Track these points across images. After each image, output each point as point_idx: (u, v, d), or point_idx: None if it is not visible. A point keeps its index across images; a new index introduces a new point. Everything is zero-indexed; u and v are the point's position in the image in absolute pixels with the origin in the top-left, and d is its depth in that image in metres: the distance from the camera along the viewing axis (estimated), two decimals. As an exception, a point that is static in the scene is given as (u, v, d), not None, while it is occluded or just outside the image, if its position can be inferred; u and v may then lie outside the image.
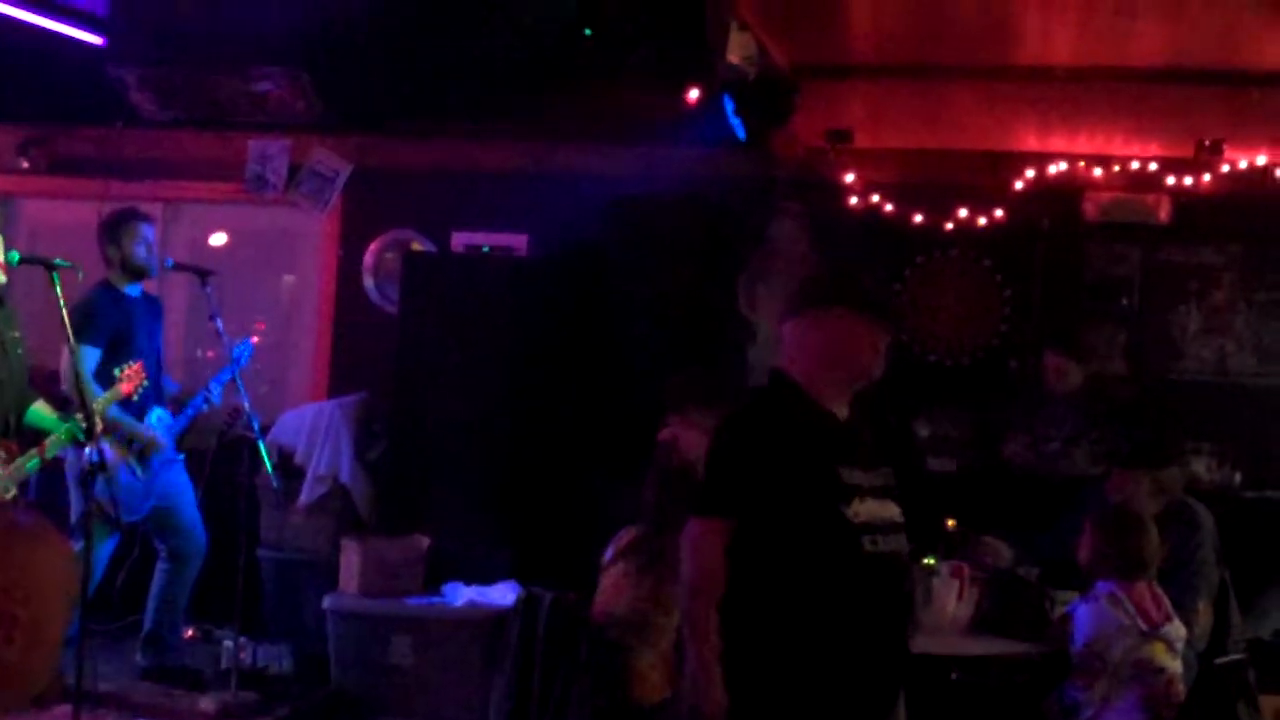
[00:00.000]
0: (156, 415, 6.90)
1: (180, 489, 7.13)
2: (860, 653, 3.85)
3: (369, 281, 8.68)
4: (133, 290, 7.05)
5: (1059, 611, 5.37)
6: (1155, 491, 5.90)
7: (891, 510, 3.94)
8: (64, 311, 5.66)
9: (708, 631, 3.80)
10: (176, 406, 7.06)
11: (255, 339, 7.44)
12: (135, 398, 6.40)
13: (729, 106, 7.42)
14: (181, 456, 7.14)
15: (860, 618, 3.84)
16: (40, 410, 6.10)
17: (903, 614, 4.08)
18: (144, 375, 6.31)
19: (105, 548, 6.71)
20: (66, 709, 5.73)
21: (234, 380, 6.90)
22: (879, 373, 4.00)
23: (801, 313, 4.04)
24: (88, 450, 6.32)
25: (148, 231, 7.09)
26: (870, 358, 3.98)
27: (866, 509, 3.84)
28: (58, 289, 5.64)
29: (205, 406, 7.06)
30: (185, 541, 7.12)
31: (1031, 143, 8.05)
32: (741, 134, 7.60)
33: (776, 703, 3.80)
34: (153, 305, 7.24)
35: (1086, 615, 5.08)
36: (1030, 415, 7.34)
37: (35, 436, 5.93)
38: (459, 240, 8.47)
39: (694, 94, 7.18)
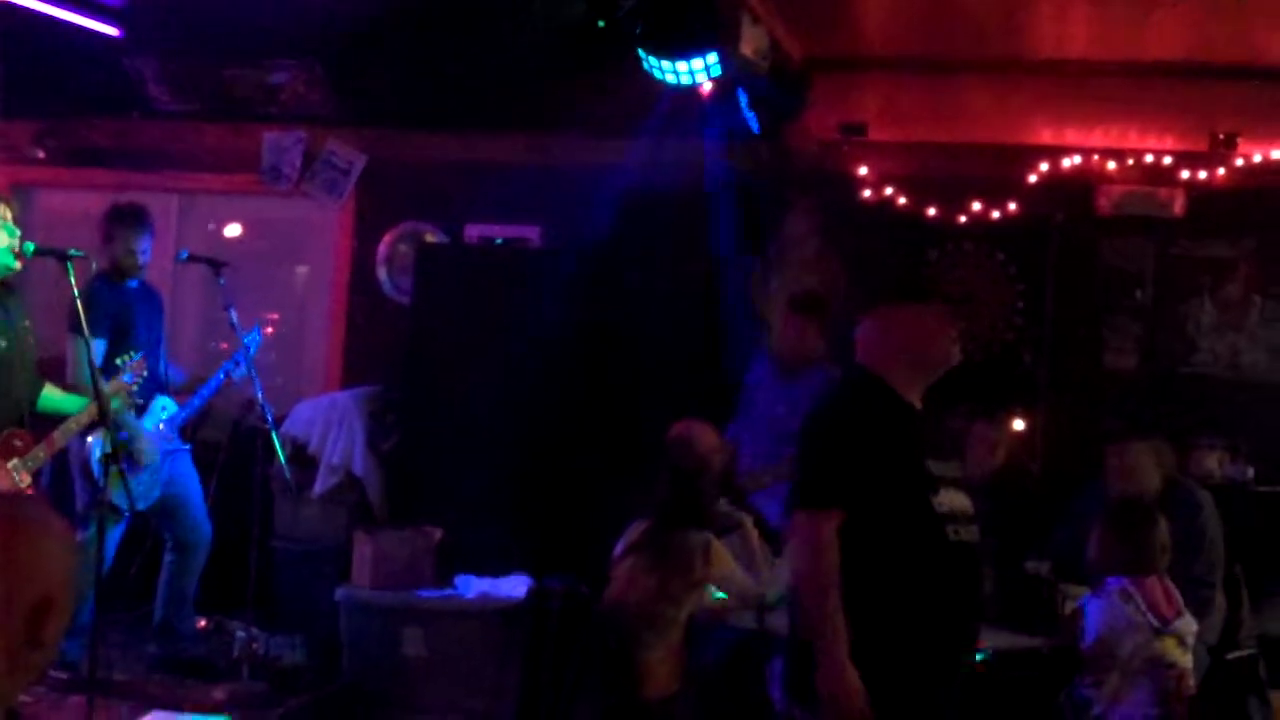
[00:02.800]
0: (161, 404, 6.92)
1: (187, 479, 7.14)
2: (947, 636, 3.96)
3: (382, 273, 8.69)
4: (131, 282, 7.05)
5: (1070, 607, 5.37)
6: (1153, 464, 5.93)
7: (965, 501, 4.06)
8: (77, 302, 5.69)
9: (841, 627, 3.79)
10: (184, 396, 7.07)
11: (269, 329, 7.43)
12: (136, 387, 6.41)
13: (743, 100, 7.43)
14: (189, 446, 7.16)
15: (947, 604, 3.94)
16: (52, 394, 6.14)
17: (977, 601, 4.15)
18: (145, 367, 6.37)
19: (113, 536, 6.72)
20: (81, 699, 5.77)
21: (247, 371, 6.91)
22: (956, 362, 4.15)
23: (880, 309, 4.18)
24: (90, 440, 6.41)
25: (145, 242, 7.08)
26: (948, 349, 4.14)
27: (948, 499, 3.97)
28: (72, 279, 5.67)
29: (224, 377, 7.04)
30: (191, 531, 7.14)
31: (1045, 136, 8.04)
32: (755, 127, 7.60)
33: (877, 688, 3.82)
34: (151, 296, 7.22)
35: (1097, 611, 5.09)
36: None
37: (47, 424, 5.96)
38: (472, 232, 8.47)
39: (708, 87, 7.17)
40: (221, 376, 7.03)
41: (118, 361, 6.28)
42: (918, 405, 4.11)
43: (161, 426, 6.89)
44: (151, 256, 7.10)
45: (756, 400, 6.93)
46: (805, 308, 6.87)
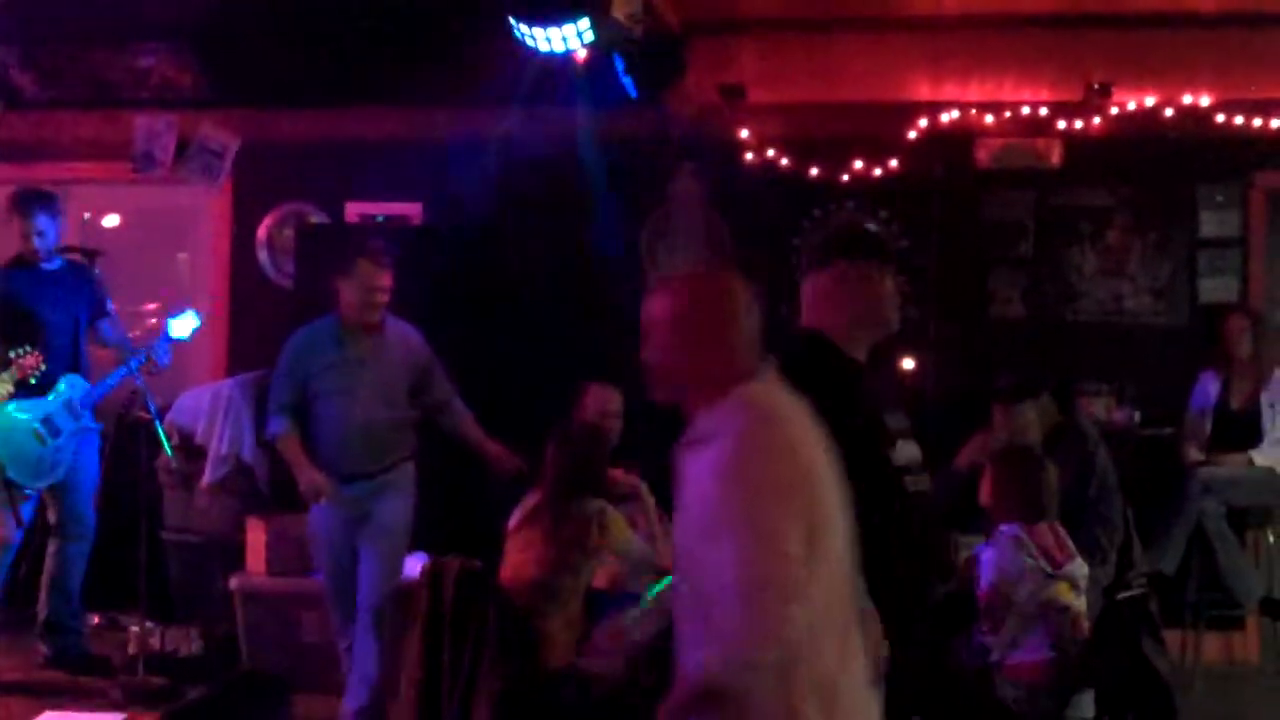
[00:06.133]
0: (69, 382, 6.80)
1: (85, 466, 7.01)
2: (912, 588, 3.88)
3: (263, 256, 8.57)
4: (44, 265, 6.98)
5: (963, 555, 5.41)
6: (1036, 419, 6.05)
7: (916, 451, 3.98)
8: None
9: None
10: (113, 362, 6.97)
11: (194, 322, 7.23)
12: (33, 380, 6.49)
13: (619, 65, 7.38)
14: (99, 427, 7.03)
15: (911, 555, 3.84)
16: None
17: (937, 548, 4.09)
18: (40, 362, 6.40)
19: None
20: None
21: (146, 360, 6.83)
22: (897, 325, 4.02)
23: (825, 267, 3.97)
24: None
25: (40, 222, 6.95)
26: (893, 309, 3.99)
27: (901, 451, 3.88)
28: None
29: (143, 360, 6.91)
30: (76, 519, 7.01)
31: (924, 92, 8.07)
32: (633, 93, 7.56)
33: None
34: (66, 278, 7.08)
35: (991, 559, 5.13)
36: None
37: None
38: (353, 211, 8.36)
39: (583, 53, 7.12)
40: (138, 362, 6.90)
41: (10, 354, 6.26)
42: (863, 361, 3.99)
43: (71, 404, 6.79)
44: (57, 238, 7.02)
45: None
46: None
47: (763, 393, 3.18)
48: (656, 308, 3.27)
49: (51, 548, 7.04)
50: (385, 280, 6.23)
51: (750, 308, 3.28)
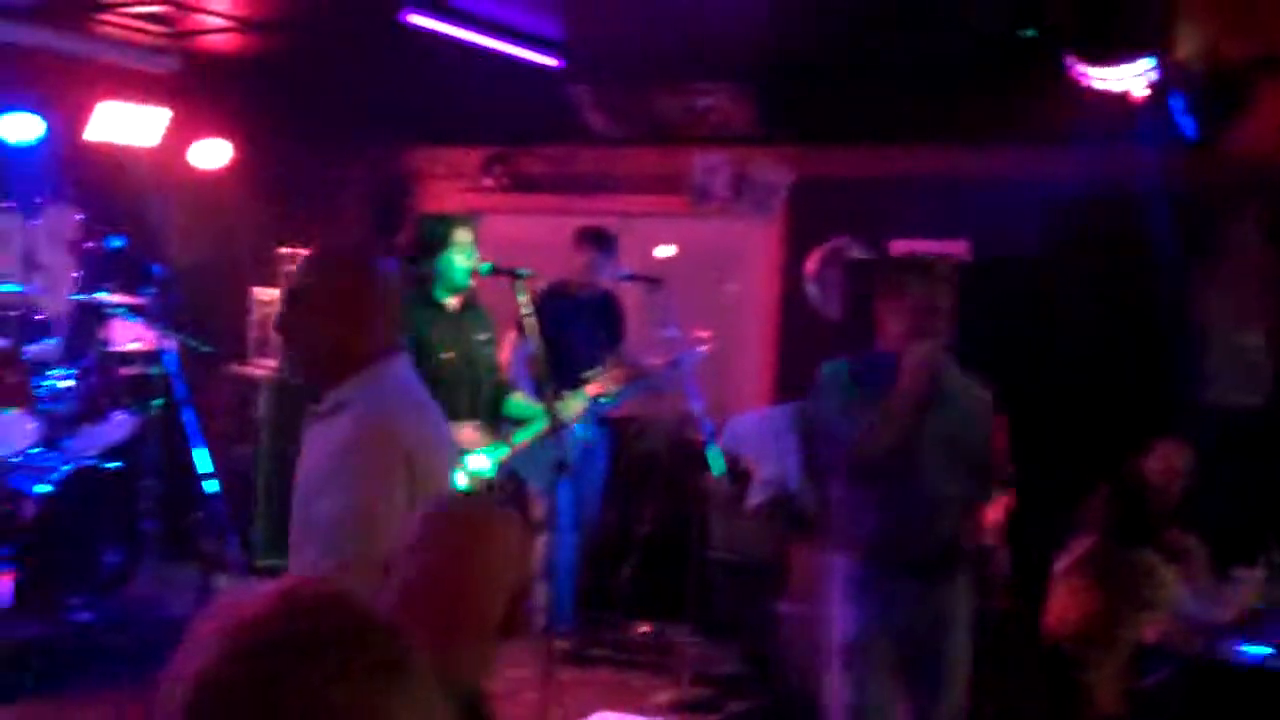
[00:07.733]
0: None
1: (589, 469, 7.69)
2: None
3: (811, 289, 8.81)
4: (582, 294, 7.79)
5: None
6: None
7: None
8: (528, 315, 6.14)
9: None
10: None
11: (704, 348, 7.62)
12: (605, 399, 7.14)
13: (1177, 104, 7.22)
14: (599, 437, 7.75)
15: None
16: (518, 400, 6.69)
17: None
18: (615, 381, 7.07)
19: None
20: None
21: (683, 387, 7.23)
22: None
23: None
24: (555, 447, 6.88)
25: (602, 259, 7.84)
26: None
27: None
28: (521, 295, 6.12)
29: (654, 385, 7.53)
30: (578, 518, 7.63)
31: None
32: (1191, 133, 7.37)
33: None
34: (599, 308, 7.88)
35: None
36: None
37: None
38: (898, 247, 8.49)
39: (1140, 92, 7.01)
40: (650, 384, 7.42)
41: (584, 375, 6.81)
42: None
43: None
44: (606, 275, 7.83)
45: None
46: None
47: (392, 373, 3.48)
48: (299, 284, 3.52)
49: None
50: (945, 300, 5.11)
51: (391, 289, 3.55)
